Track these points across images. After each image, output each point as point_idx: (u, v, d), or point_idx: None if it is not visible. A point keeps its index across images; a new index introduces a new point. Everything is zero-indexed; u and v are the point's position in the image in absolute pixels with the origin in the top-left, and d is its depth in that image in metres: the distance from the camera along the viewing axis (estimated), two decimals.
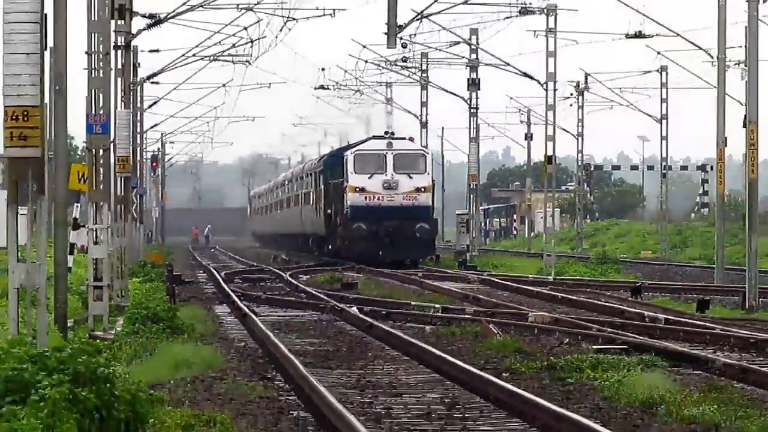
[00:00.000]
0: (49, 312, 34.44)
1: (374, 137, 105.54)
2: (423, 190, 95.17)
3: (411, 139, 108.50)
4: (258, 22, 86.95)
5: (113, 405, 25.03)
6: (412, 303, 69.20)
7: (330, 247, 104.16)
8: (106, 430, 24.63)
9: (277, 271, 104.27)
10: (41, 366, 25.55)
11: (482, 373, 35.87)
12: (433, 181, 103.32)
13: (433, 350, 43.65)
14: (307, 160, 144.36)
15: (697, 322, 56.74)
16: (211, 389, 34.93)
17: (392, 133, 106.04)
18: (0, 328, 36.55)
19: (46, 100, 34.59)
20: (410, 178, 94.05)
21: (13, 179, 32.81)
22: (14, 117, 32.37)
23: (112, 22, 65.48)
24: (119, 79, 71.84)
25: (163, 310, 56.22)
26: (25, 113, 32.65)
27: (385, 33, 75.81)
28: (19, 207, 32.61)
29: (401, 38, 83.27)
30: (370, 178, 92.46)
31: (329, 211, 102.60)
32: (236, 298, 74.08)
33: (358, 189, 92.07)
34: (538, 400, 30.31)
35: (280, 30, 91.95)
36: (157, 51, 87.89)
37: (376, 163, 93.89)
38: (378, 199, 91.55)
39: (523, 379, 37.28)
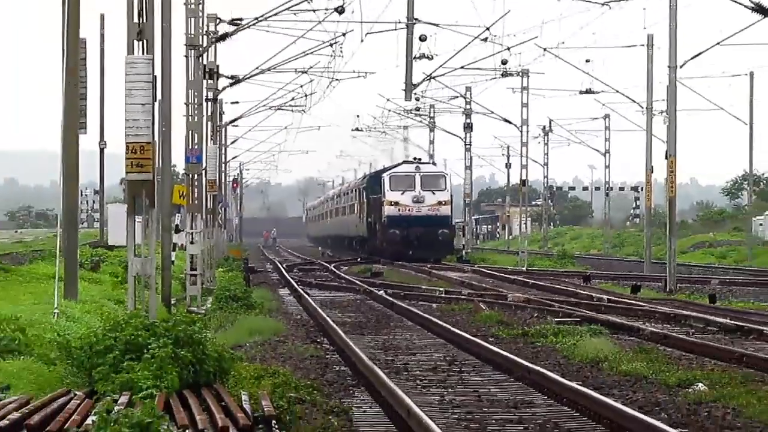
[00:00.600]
0: (157, 293, 37.79)
1: (405, 162, 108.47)
2: (444, 203, 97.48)
3: (434, 164, 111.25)
4: (311, 81, 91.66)
5: (204, 361, 27.21)
6: (423, 287, 74.29)
7: (369, 247, 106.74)
8: (199, 379, 26.65)
9: (325, 264, 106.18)
10: (152, 333, 27.85)
11: (474, 338, 41.00)
12: (451, 195, 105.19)
13: (438, 321, 48.55)
14: (351, 181, 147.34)
15: (631, 301, 61.85)
16: (276, 350, 39.15)
17: (419, 159, 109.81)
18: (121, 306, 38.25)
19: (156, 138, 37.17)
20: (434, 194, 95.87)
21: (131, 196, 35.13)
22: (133, 150, 33.82)
23: (204, 81, 68.24)
24: (209, 123, 75.56)
25: (241, 292, 61.35)
26: (141, 148, 34.14)
27: (403, 89, 78.07)
28: (136, 216, 34.67)
29: (415, 93, 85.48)
30: (402, 194, 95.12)
31: (369, 219, 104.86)
32: (294, 283, 78.76)
33: (393, 202, 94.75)
34: (515, 358, 34.65)
35: (327, 87, 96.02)
36: (236, 102, 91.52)
37: (407, 183, 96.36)
38: (408, 210, 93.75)
39: (504, 343, 41.48)
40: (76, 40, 44.77)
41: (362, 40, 74.90)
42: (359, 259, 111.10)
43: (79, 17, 45.28)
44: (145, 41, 34.47)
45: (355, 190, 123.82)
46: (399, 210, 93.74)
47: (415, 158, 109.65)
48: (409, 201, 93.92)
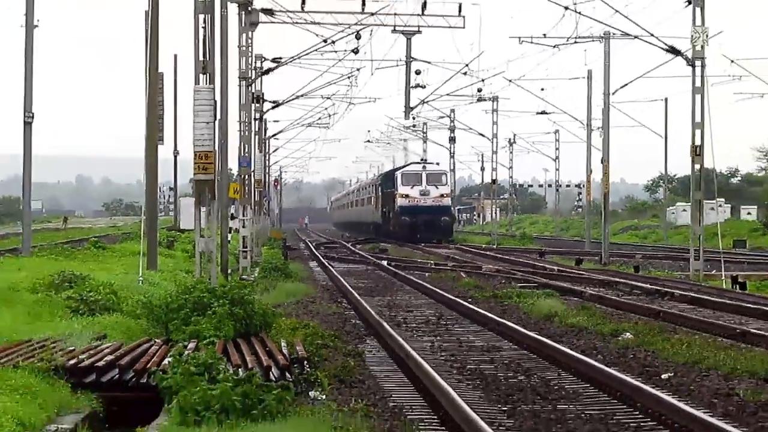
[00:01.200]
0: (217, 265, 37.53)
1: (413, 163, 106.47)
2: (445, 195, 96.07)
3: (437, 164, 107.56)
4: (333, 104, 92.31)
5: (253, 316, 27.97)
6: (418, 260, 72.39)
7: (383, 231, 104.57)
8: (249, 330, 27.37)
9: (344, 243, 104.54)
10: (213, 295, 28.43)
11: (456, 299, 41.27)
12: (451, 189, 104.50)
13: (429, 286, 48.56)
14: (367, 179, 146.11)
15: (575, 271, 61.38)
16: (307, 308, 39.12)
17: (425, 160, 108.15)
18: (190, 274, 38.38)
19: (216, 147, 36.97)
20: (437, 188, 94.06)
21: (198, 192, 35.26)
22: (200, 157, 34.02)
23: (252, 105, 67.33)
24: (256, 137, 69.54)
25: (280, 264, 61.23)
26: (205, 155, 34.12)
27: (403, 111, 78.47)
28: (201, 207, 34.49)
29: (412, 114, 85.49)
30: (411, 188, 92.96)
31: (384, 209, 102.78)
32: (321, 258, 78.20)
33: (404, 195, 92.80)
34: (487, 314, 35.35)
35: (345, 109, 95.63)
36: (277, 121, 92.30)
37: (415, 179, 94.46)
38: (416, 201, 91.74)
39: (479, 302, 40.98)
40: (155, 74, 45.16)
41: (372, 74, 75.16)
42: (369, 239, 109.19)
43: (158, 56, 45.55)
44: (208, 74, 34.48)
45: (372, 186, 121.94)
46: (409, 201, 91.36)
47: (422, 159, 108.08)
48: (417, 194, 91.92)
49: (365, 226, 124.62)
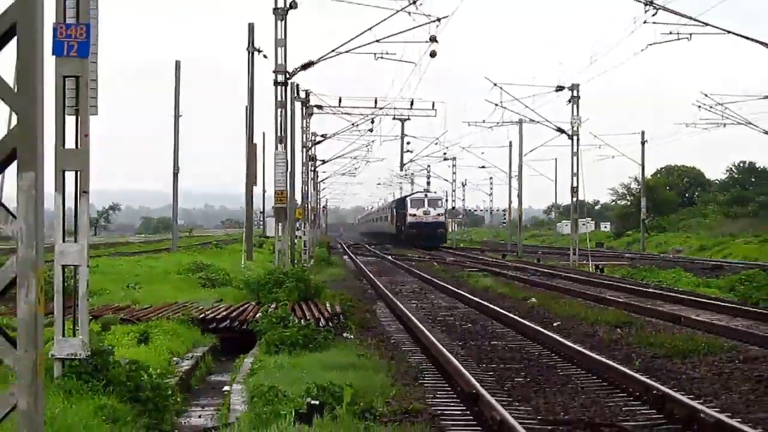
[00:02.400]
0: (288, 257, 37.23)
1: (417, 192, 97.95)
2: (440, 215, 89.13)
3: (435, 192, 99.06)
4: (357, 162, 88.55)
5: (309, 288, 27.91)
6: (408, 255, 69.14)
7: (396, 239, 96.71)
8: (307, 297, 26.91)
9: (365, 245, 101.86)
10: (285, 275, 28.64)
11: (431, 278, 40.24)
12: (445, 210, 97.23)
13: (416, 271, 46.83)
14: (385, 203, 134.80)
15: (502, 261, 59.16)
16: (341, 283, 38.01)
17: (427, 190, 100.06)
18: (272, 264, 36.29)
19: (287, 188, 37.47)
20: (435, 209, 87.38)
21: (276, 214, 36.38)
22: (278, 194, 35.08)
23: (310, 162, 65.26)
24: (311, 181, 70.98)
25: (326, 257, 60.64)
26: (281, 192, 35.24)
27: (399, 165, 77.92)
28: (279, 223, 35.59)
29: (405, 167, 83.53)
30: (417, 209, 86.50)
31: (398, 223, 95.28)
32: (350, 253, 76.65)
33: (412, 214, 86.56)
34: (449, 286, 34.88)
35: (365, 165, 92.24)
36: (324, 172, 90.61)
37: (420, 203, 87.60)
38: (421, 218, 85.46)
39: (445, 280, 39.60)
40: (252, 144, 44.79)
41: (380, 144, 74.77)
42: (384, 244, 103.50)
43: (253, 133, 45.53)
44: (283, 144, 34.97)
45: (388, 207, 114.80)
46: (416, 218, 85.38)
47: (425, 190, 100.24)
48: (421, 213, 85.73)
49: (383, 236, 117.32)
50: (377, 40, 35.07)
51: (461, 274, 43.72)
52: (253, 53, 40.69)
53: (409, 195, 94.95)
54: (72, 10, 11.24)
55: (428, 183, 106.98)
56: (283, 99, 34.95)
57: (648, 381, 12.99)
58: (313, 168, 69.25)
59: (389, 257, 65.92)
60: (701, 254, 63.32)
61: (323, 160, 77.86)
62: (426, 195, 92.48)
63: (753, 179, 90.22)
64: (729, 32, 29.91)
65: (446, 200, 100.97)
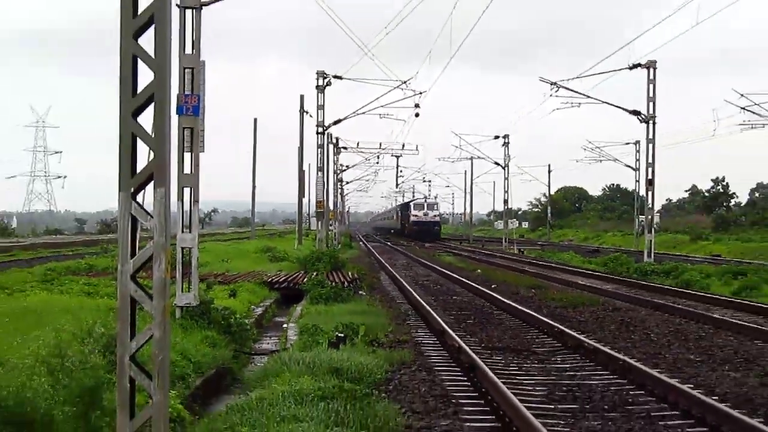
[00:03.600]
0: (323, 243, 35.06)
1: (417, 199, 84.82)
2: (437, 216, 77.04)
3: (434, 198, 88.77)
4: (368, 184, 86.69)
5: (338, 261, 27.49)
6: (404, 243, 64.86)
7: (400, 234, 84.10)
8: (336, 267, 26.22)
9: (374, 237, 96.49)
10: (323, 254, 28.30)
11: (416, 258, 37.89)
12: (440, 213, 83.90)
13: (407, 253, 44.34)
14: (391, 207, 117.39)
15: (461, 247, 53.92)
16: (357, 260, 35.47)
17: (426, 196, 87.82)
18: (314, 247, 35.53)
19: (323, 198, 36.05)
20: (432, 211, 75.08)
21: (317, 215, 35.95)
22: (318, 202, 34.97)
23: (339, 184, 63.86)
24: (340, 194, 68.23)
25: (348, 243, 56.94)
26: (320, 201, 34.94)
27: (395, 185, 76.08)
28: (318, 221, 34.80)
29: (400, 186, 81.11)
30: (419, 211, 74.21)
31: (403, 221, 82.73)
32: (365, 241, 72.00)
33: (414, 215, 73.99)
34: (426, 262, 33.54)
35: (373, 185, 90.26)
36: (347, 182, 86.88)
37: (421, 206, 75.41)
38: (421, 218, 72.88)
39: (424, 258, 36.96)
40: (301, 170, 44.53)
41: (383, 171, 73.80)
42: (389, 237, 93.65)
43: (302, 162, 44.80)
44: (321, 171, 34.65)
45: (393, 210, 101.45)
46: (417, 218, 73.47)
47: (424, 196, 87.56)
48: (422, 214, 73.78)
49: (389, 230, 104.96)
50: (381, 106, 36.11)
51: (434, 254, 42.60)
52: (302, 113, 40.53)
53: (412, 200, 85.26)
54: (188, 84, 11.26)
55: (413, 195, 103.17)
56: (322, 143, 34.93)
57: (551, 322, 12.94)
58: (340, 186, 68.50)
59: (389, 244, 64.24)
60: (585, 243, 63.50)
61: (347, 181, 77.14)
62: (426, 200, 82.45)
63: (618, 195, 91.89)
64: (603, 102, 30.12)
65: (440, 205, 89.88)
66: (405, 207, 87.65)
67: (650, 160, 28.16)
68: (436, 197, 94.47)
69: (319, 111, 33.53)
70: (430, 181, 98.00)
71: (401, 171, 76.58)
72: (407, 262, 35.78)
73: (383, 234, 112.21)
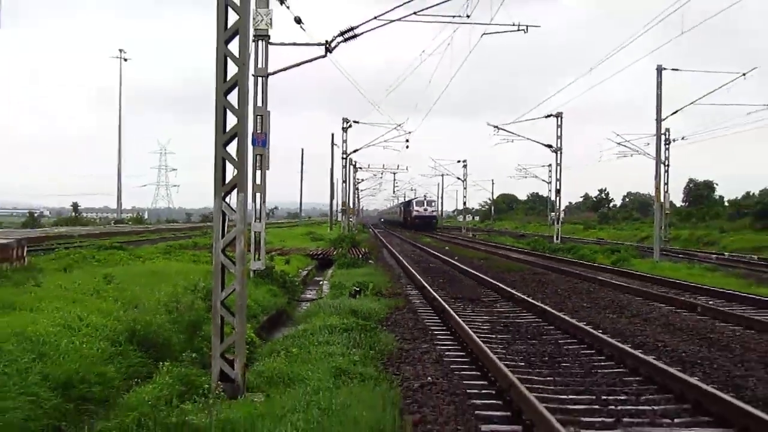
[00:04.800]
0: (346, 229, 34.57)
1: (418, 198, 69.69)
2: (434, 211, 63.50)
3: (432, 196, 75.79)
4: (375, 193, 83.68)
5: (355, 242, 26.38)
6: (401, 231, 60.65)
7: (403, 225, 68.33)
8: (354, 245, 24.96)
9: (382, 226, 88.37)
10: (346, 236, 27.86)
11: (406, 239, 35.72)
12: (436, 208, 70.61)
13: (401, 236, 41.30)
14: (396, 204, 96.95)
15: (434, 233, 50.34)
16: (367, 241, 32.38)
17: (426, 195, 71.30)
18: (340, 233, 32.69)
19: (348, 200, 36.48)
20: (430, 207, 61.88)
21: (343, 212, 35.04)
22: (344, 203, 34.63)
23: (356, 191, 60.28)
24: (356, 194, 57.34)
25: (361, 230, 53.12)
26: (345, 202, 34.91)
27: (393, 193, 75.07)
28: (343, 216, 33.74)
29: (395, 193, 76.14)
30: (420, 207, 60.72)
31: (405, 216, 67.64)
32: (374, 230, 65.17)
33: (416, 210, 60.31)
34: (412, 242, 31.47)
35: (378, 193, 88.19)
36: (362, 190, 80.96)
37: (421, 203, 61.46)
38: (421, 213, 59.33)
39: (411, 239, 35.02)
40: (332, 182, 43.54)
41: (385, 183, 72.45)
42: (394, 227, 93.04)
43: (333, 177, 43.69)
44: (345, 183, 34.13)
45: (399, 206, 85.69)
46: (418, 213, 60.29)
47: (424, 196, 71.17)
48: (422, 210, 60.90)
49: (394, 223, 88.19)
50: (384, 141, 35.78)
51: (418, 237, 41.26)
52: (332, 146, 40.44)
53: (414, 198, 71.59)
54: (259, 126, 11.13)
55: (404, 197, 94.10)
56: (345, 165, 34.83)
57: (494, 282, 12.73)
58: (356, 192, 67.30)
59: (390, 231, 62.26)
60: (515, 230, 62.85)
61: (361, 189, 75.28)
62: (425, 198, 68.79)
63: (538, 200, 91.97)
64: (527, 138, 29.96)
65: (437, 202, 76.47)
66: (407, 204, 75.80)
67: (558, 177, 28.30)
68: (430, 196, 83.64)
69: (344, 144, 33.26)
70: (415, 190, 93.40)
71: (397, 183, 77.35)
72: (400, 242, 34.87)
73: (388, 225, 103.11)
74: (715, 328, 7.85)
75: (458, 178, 53.67)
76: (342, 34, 11.87)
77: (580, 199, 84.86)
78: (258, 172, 11.24)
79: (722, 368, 5.71)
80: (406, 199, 74.12)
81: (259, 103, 11.30)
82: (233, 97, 5.04)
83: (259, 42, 11.11)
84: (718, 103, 33.04)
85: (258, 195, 11.49)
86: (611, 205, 68.87)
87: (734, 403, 4.18)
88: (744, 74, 17.82)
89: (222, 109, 5.05)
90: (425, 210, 65.12)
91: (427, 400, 4.71)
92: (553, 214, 33.51)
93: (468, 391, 5.01)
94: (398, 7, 11.12)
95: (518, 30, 13.44)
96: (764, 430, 3.80)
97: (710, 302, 9.96)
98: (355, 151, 35.84)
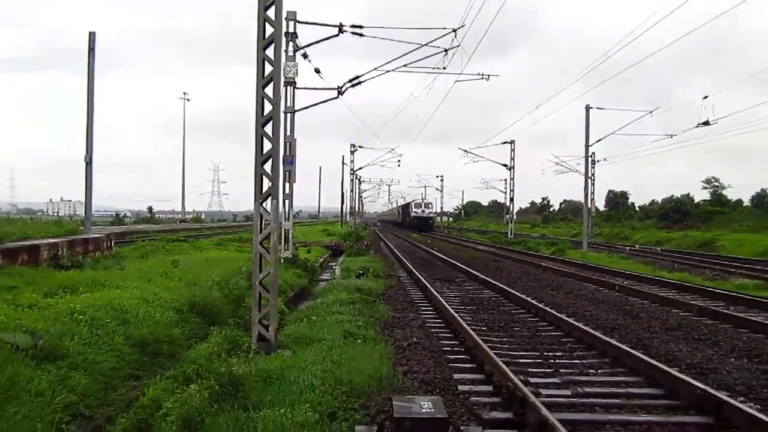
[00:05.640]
0: (351, 227, 32.30)
1: (416, 200, 55.42)
2: (431, 213, 50.48)
3: (429, 199, 57.80)
4: (375, 199, 77.90)
5: (360, 236, 24.07)
6: (397, 229, 53.65)
7: (401, 225, 57.46)
8: (359, 238, 22.19)
9: (381, 225, 76.94)
10: (353, 233, 25.55)
11: (398, 235, 33.87)
12: (433, 210, 54.04)
13: (395, 232, 39.74)
14: (394, 206, 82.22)
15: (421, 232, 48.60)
16: (368, 236, 29.34)
17: (424, 198, 57.13)
18: (349, 229, 30.23)
19: (355, 205, 34.55)
20: (428, 209, 49.40)
21: (350, 213, 32.78)
22: (351, 207, 33.12)
23: (359, 196, 55.04)
24: (361, 201, 55.31)
25: (364, 228, 47.78)
26: (352, 207, 33.20)
27: (388, 200, 70.66)
28: (350, 216, 31.54)
29: (390, 200, 69.12)
30: (418, 209, 48.59)
31: (405, 217, 55.42)
32: (375, 229, 56.87)
33: (415, 212, 48.60)
34: (404, 237, 29.52)
35: (377, 200, 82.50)
36: (364, 198, 68.76)
37: (420, 205, 48.93)
38: (420, 214, 47.25)
39: (402, 235, 33.24)
40: (342, 193, 41.65)
41: (382, 193, 69.32)
42: (393, 228, 77.01)
43: (343, 188, 41.78)
44: (352, 192, 33.18)
45: (395, 209, 74.86)
46: (416, 214, 49.34)
47: (422, 198, 58.36)
48: (420, 211, 49.72)
49: (392, 223, 75.53)
50: (381, 161, 35.47)
51: (407, 233, 39.94)
52: (343, 164, 39.87)
53: (413, 201, 59.34)
54: (289, 149, 11.05)
55: (396, 203, 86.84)
56: (353, 179, 34.65)
57: (464, 267, 12.56)
58: (360, 199, 64.88)
59: (387, 229, 58.08)
60: (479, 228, 61.83)
61: (365, 197, 72.30)
62: (423, 200, 57.04)
63: (497, 205, 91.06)
64: (489, 159, 29.85)
65: (434, 205, 62.68)
66: (406, 206, 64.42)
67: (511, 188, 28.46)
68: (427, 199, 70.85)
69: (351, 163, 33.14)
70: (404, 197, 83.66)
71: (390, 192, 74.58)
72: (394, 237, 33.41)
73: (386, 225, 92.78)
74: (628, 302, 7.89)
75: (437, 189, 54.41)
76: (350, 81, 11.94)
77: (528, 205, 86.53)
78: (287, 184, 11.20)
79: (633, 332, 5.77)
80: (405, 203, 64.83)
81: (288, 133, 11.30)
82: (269, 128, 5.07)
83: (288, 87, 11.11)
84: (630, 133, 33.44)
85: (287, 201, 11.47)
86: (551, 209, 70.37)
87: (642, 358, 4.29)
88: (651, 112, 18.05)
89: (260, 137, 5.07)
90: (423, 212, 55.45)
91: (413, 355, 4.76)
92: (507, 216, 33.36)
93: (444, 348, 5.05)
94: (392, 61, 11.48)
95: (482, 78, 13.53)
96: (662, 376, 3.87)
97: (625, 282, 10.06)
98: (360, 169, 36.38)
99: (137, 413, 3.37)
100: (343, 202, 45.69)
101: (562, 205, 74.91)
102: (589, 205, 24.10)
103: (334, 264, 15.54)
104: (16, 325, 4.23)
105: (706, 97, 15.85)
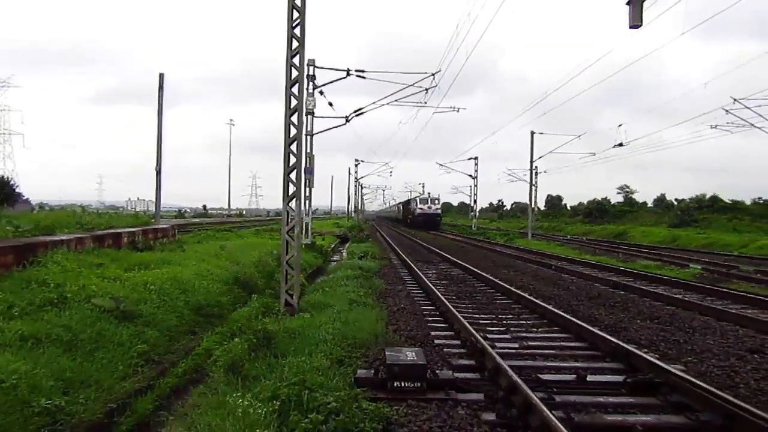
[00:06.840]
0: (355, 221, 31.18)
1: (421, 195, 34.88)
2: (438, 209, 31.53)
3: (436, 194, 34.21)
4: (373, 199, 70.12)
5: (362, 228, 23.27)
6: (402, 228, 35.10)
7: (403, 223, 35.99)
8: (361, 230, 21.48)
9: (380, 223, 53.27)
10: (356, 225, 25.78)
11: (396, 230, 27.70)
12: (440, 206, 32.46)
13: (392, 228, 31.64)
14: (394, 204, 56.67)
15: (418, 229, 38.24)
16: (369, 228, 27.67)
17: (429, 193, 33.94)
18: (353, 223, 29.42)
19: (359, 204, 31.63)
20: (434, 204, 31.14)
21: (354, 211, 30.28)
22: (356, 206, 31.13)
23: (362, 197, 46.10)
24: (362, 201, 46.60)
25: (367, 224, 40.78)
26: (357, 206, 30.62)
27: (382, 201, 61.77)
28: (355, 213, 28.21)
29: (387, 198, 58.99)
30: (424, 205, 30.78)
31: (407, 214, 34.87)
32: (376, 225, 42.27)
33: (420, 208, 30.63)
34: (402, 232, 24.21)
35: (375, 199, 72.55)
36: (365, 199, 60.43)
37: (425, 201, 31.16)
38: (426, 211, 30.20)
39: (398, 229, 28.60)
40: (348, 195, 40.37)
41: (378, 195, 62.39)
42: (394, 224, 49.05)
43: (350, 192, 41.27)
44: (356, 195, 31.73)
45: (396, 206, 49.42)
46: (422, 211, 30.84)
47: (428, 193, 34.57)
48: (425, 207, 31.06)
49: (392, 220, 57.99)
50: (378, 172, 34.49)
51: (399, 227, 35.65)
52: (349, 175, 39.00)
53: (417, 197, 43.98)
54: (309, 163, 11.37)
55: (390, 203, 75.20)
56: (356, 185, 34.56)
57: (439, 251, 12.35)
58: (362, 200, 59.54)
59: (382, 224, 50.96)
60: (451, 222, 55.97)
61: (366, 199, 67.59)
62: (429, 196, 41.35)
63: (464, 206, 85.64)
64: (460, 171, 29.41)
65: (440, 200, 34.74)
66: (407, 203, 49.24)
67: (475, 193, 28.78)
68: (434, 194, 48.49)
69: (356, 172, 33.18)
70: (395, 198, 70.34)
71: (385, 195, 65.70)
72: (388, 229, 29.33)
73: (386, 222, 73.65)
74: (561, 278, 7.92)
75: (419, 193, 49.54)
76: (355, 111, 12.24)
77: (488, 205, 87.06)
78: (307, 189, 11.48)
79: (565, 300, 5.87)
80: (406, 199, 43.46)
81: (308, 150, 11.51)
82: (294, 147, 5.18)
83: (308, 116, 11.29)
84: (563, 152, 33.24)
85: (307, 201, 11.83)
86: (505, 209, 71.20)
87: (571, 319, 4.46)
88: (579, 136, 17.46)
89: (287, 153, 5.18)
90: (430, 208, 35.46)
91: (401, 317, 4.84)
92: (472, 213, 33.18)
93: (424, 312, 5.14)
94: (386, 97, 12.13)
95: (454, 110, 14.01)
96: (586, 333, 4.05)
97: (559, 263, 10.07)
98: (362, 177, 35.73)
99: (194, 359, 3.84)
100: (348, 202, 43.18)
101: (513, 206, 76.86)
102: (533, 206, 23.82)
103: (342, 249, 15.19)
104: (103, 292, 4.47)
105: (621, 125, 18.25)
